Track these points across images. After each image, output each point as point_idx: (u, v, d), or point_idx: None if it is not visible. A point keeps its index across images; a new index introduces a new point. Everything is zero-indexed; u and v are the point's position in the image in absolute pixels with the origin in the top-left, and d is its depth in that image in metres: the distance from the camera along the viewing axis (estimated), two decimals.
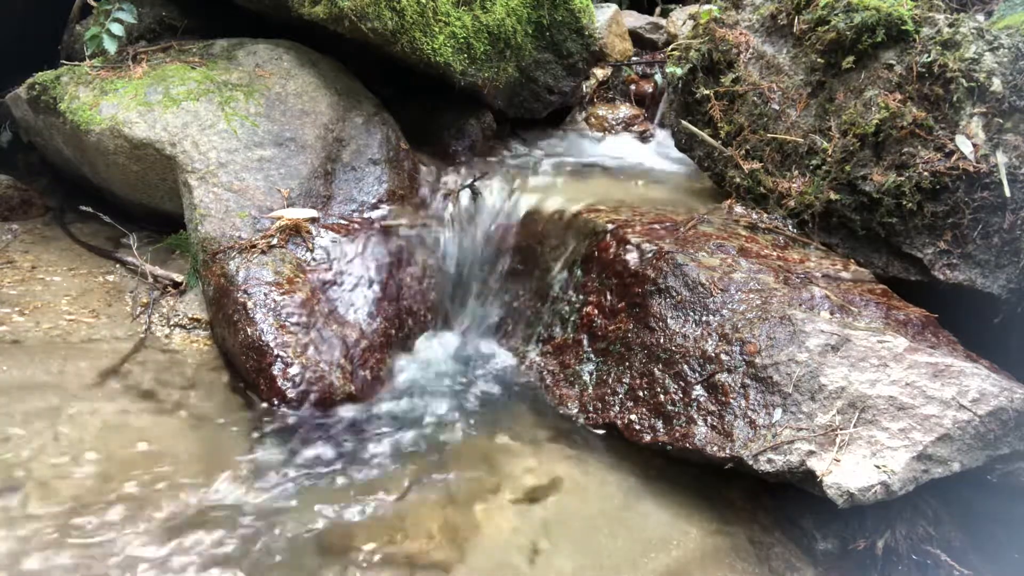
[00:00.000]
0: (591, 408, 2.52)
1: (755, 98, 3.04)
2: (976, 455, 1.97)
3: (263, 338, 2.48)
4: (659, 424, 2.31)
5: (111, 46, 3.12)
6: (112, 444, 2.21)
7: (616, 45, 4.70)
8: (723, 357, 2.28)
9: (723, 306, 2.39)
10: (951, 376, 2.04)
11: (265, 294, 2.57)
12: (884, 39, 2.69)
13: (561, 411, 2.58)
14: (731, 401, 2.20)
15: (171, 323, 2.84)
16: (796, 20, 2.99)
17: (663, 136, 4.20)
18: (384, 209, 3.08)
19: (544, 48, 3.93)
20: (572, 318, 2.74)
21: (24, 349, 2.56)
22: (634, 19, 5.13)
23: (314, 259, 2.76)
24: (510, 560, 1.98)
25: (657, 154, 4.06)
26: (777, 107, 2.98)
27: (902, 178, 2.57)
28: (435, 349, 2.93)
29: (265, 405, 2.43)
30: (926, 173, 2.53)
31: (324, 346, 2.55)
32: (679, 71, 3.27)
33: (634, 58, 4.73)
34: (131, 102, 2.96)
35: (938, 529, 2.07)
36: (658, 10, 5.79)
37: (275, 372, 2.45)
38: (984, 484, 2.13)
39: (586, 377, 2.60)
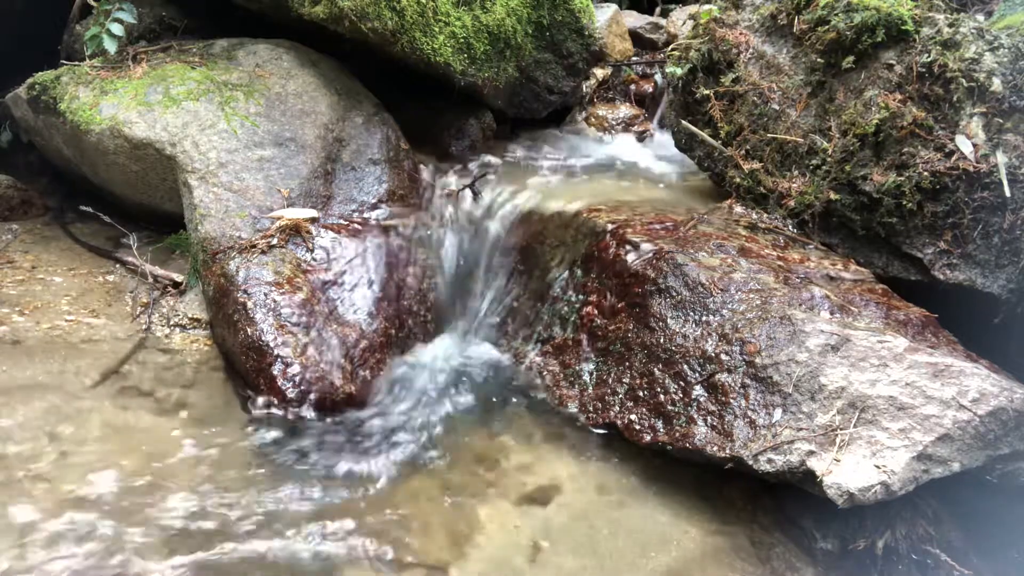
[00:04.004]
0: (591, 408, 2.52)
1: (755, 98, 3.04)
2: (976, 455, 1.97)
3: (263, 338, 2.48)
4: (659, 424, 2.31)
5: (111, 46, 3.12)
6: (112, 444, 2.21)
7: (616, 45, 4.70)
8: (723, 357, 2.28)
9: (723, 306, 2.39)
10: (951, 376, 2.04)
11: (265, 294, 2.57)
12: (884, 39, 2.69)
13: (561, 411, 2.58)
14: (731, 401, 2.20)
15: (171, 323, 2.84)
16: (796, 20, 2.99)
17: (663, 136, 4.20)
18: (384, 209, 3.08)
19: (544, 48, 3.93)
20: (572, 318, 2.74)
21: (24, 349, 2.56)
22: (634, 19, 5.13)
23: (314, 259, 2.76)
24: (510, 560, 1.98)
25: (657, 154, 4.06)
26: (777, 107, 2.98)
27: (902, 178, 2.57)
28: (435, 349, 2.93)
29: (265, 405, 2.43)
30: (926, 173, 2.53)
31: (324, 346, 2.55)
32: (679, 71, 3.27)
33: (634, 58, 4.73)
34: (131, 102, 2.96)
35: (938, 529, 2.07)
36: (658, 10, 5.79)
37: (275, 372, 2.45)
38: (984, 484, 2.13)
39: (586, 377, 2.60)
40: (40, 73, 3.24)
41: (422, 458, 2.35)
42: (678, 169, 3.79)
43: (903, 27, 2.65)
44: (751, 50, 3.11)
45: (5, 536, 1.86)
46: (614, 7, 4.79)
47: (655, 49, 4.90)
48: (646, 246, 2.62)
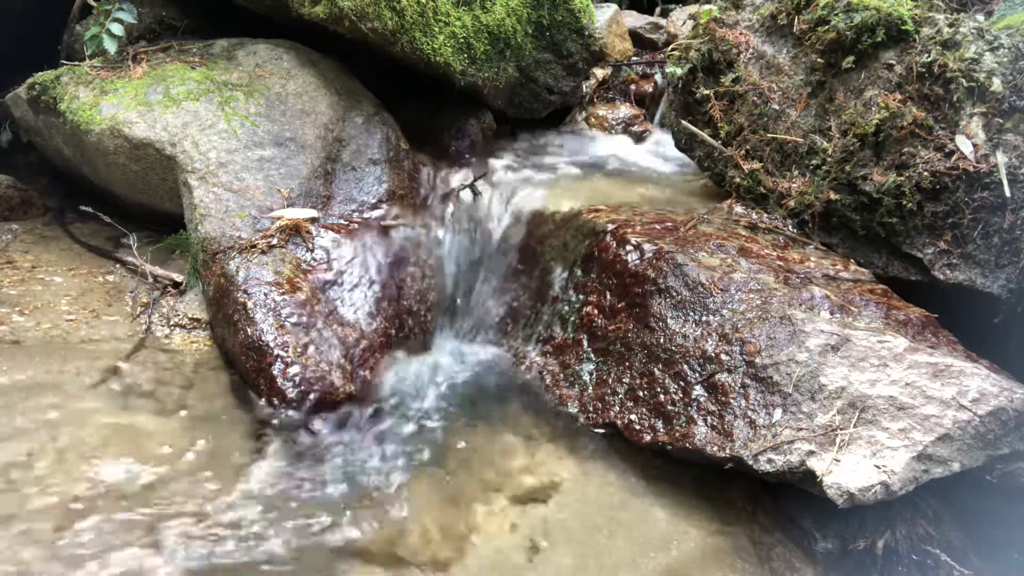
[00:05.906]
0: (591, 408, 2.52)
1: (755, 98, 3.04)
2: (976, 455, 1.97)
3: (263, 338, 2.48)
4: (659, 424, 2.31)
5: (111, 46, 3.12)
6: (111, 444, 2.21)
7: (616, 45, 4.70)
8: (723, 357, 2.28)
9: (723, 306, 2.39)
10: (951, 376, 2.04)
11: (265, 294, 2.57)
12: (884, 39, 2.69)
13: (561, 411, 2.58)
14: (731, 401, 2.20)
15: (171, 323, 2.84)
16: (796, 20, 2.99)
17: (663, 136, 4.19)
18: (384, 209, 3.08)
19: (544, 48, 3.93)
20: (572, 318, 2.74)
21: (24, 349, 2.56)
22: (634, 19, 5.13)
23: (314, 259, 2.76)
24: (510, 559, 1.98)
25: (657, 154, 4.06)
26: (777, 107, 2.98)
27: (902, 178, 2.57)
28: (435, 349, 2.93)
29: (265, 405, 2.43)
30: (926, 173, 2.53)
31: (324, 346, 2.55)
32: (679, 71, 3.27)
33: (634, 58, 4.73)
34: (131, 102, 2.96)
35: (938, 529, 2.07)
36: (658, 10, 5.80)
37: (275, 372, 2.45)
38: (984, 484, 2.14)
39: (586, 377, 2.60)
40: (40, 73, 3.24)
41: (421, 458, 2.35)
42: (678, 169, 3.79)
43: (903, 27, 2.65)
44: (751, 50, 3.11)
45: (3, 535, 1.86)
46: (614, 7, 4.79)
47: (655, 49, 4.90)
48: (646, 246, 2.62)
